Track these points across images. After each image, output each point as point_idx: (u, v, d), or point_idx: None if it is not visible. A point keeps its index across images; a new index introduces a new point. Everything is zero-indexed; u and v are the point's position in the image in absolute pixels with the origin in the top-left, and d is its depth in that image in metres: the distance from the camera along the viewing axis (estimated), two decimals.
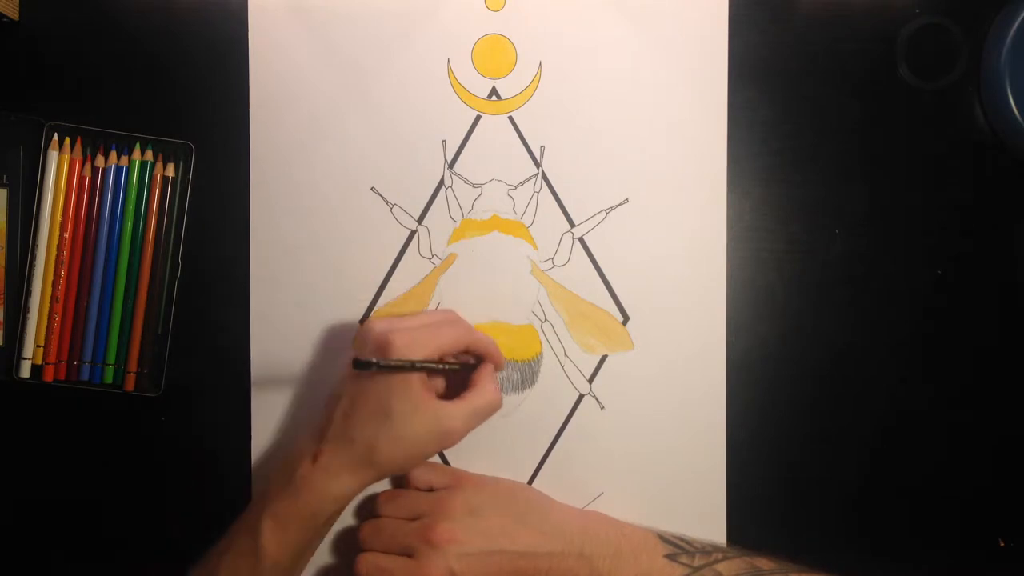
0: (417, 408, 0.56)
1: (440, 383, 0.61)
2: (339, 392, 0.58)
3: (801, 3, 0.65)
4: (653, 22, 0.64)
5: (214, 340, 0.64)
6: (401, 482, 0.63)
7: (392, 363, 0.55)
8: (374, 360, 0.53)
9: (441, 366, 0.58)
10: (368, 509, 0.63)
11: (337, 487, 0.55)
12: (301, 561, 0.58)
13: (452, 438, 0.57)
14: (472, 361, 0.61)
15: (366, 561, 0.58)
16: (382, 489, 0.63)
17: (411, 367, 0.55)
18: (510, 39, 0.64)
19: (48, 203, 0.62)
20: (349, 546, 0.63)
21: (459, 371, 0.60)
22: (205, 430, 0.64)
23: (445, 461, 0.65)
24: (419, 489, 0.62)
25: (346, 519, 0.63)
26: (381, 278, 0.64)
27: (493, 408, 0.58)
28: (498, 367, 0.61)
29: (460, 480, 0.61)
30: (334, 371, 0.63)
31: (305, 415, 0.64)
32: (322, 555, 0.63)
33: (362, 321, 0.64)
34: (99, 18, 0.64)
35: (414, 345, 0.56)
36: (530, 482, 0.64)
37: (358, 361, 0.53)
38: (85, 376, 0.63)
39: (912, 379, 0.65)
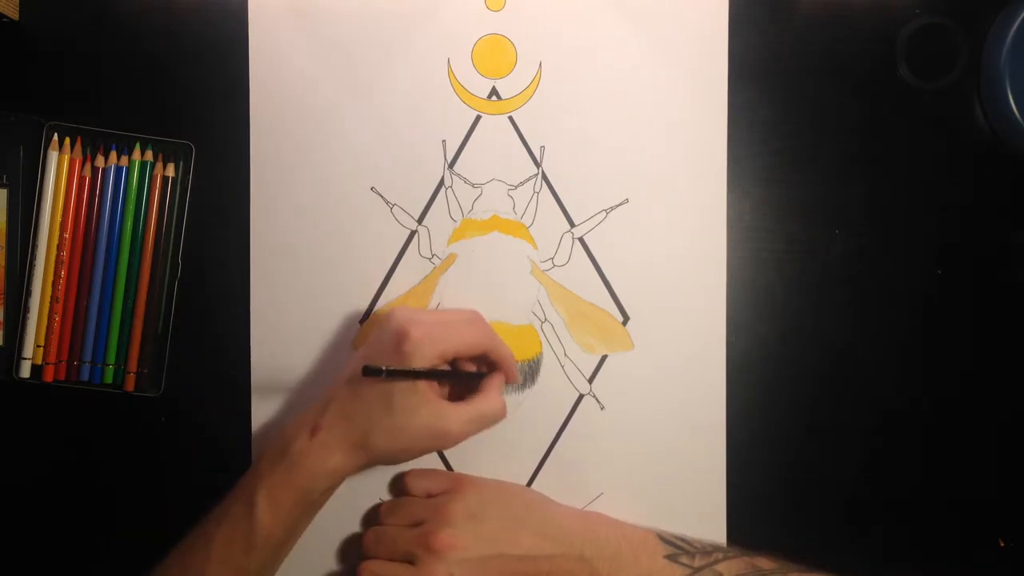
0: (419, 405, 0.56)
1: (447, 385, 0.61)
2: (348, 373, 0.58)
3: (801, 3, 0.65)
4: (653, 22, 0.64)
5: (214, 340, 0.64)
6: (401, 488, 0.63)
7: (399, 371, 0.55)
8: (383, 368, 0.54)
9: (448, 373, 0.58)
10: (372, 518, 0.63)
11: (331, 463, 0.56)
12: (293, 535, 0.58)
13: (449, 440, 0.57)
14: (484, 370, 0.61)
15: (368, 569, 0.59)
16: (383, 496, 0.64)
17: (417, 376, 0.55)
18: (510, 39, 0.64)
19: (48, 203, 0.62)
20: (353, 554, 0.63)
21: (465, 379, 0.60)
22: (205, 430, 0.64)
23: (446, 463, 0.65)
24: (419, 495, 0.62)
25: (352, 526, 0.64)
26: (381, 278, 0.64)
27: (496, 418, 0.59)
28: (510, 380, 0.61)
29: (460, 484, 0.61)
30: (334, 371, 0.63)
31: None
32: (327, 563, 0.64)
33: (362, 321, 0.64)
34: (99, 18, 0.64)
35: (432, 340, 0.56)
36: (530, 482, 0.64)
37: (368, 368, 0.53)
38: (85, 376, 0.63)
39: (912, 379, 0.65)
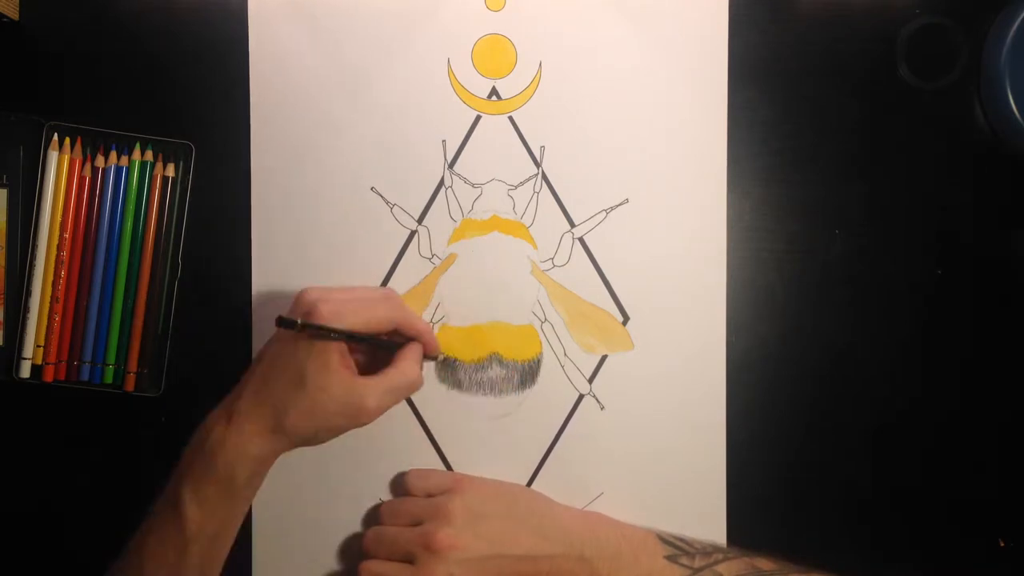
0: (331, 380, 0.55)
1: (364, 360, 0.60)
2: (261, 354, 0.58)
3: (801, 3, 0.65)
4: (653, 22, 0.64)
5: (214, 340, 0.64)
6: (402, 488, 0.63)
7: (314, 326, 0.54)
8: (297, 320, 0.53)
9: (364, 338, 0.57)
10: (372, 518, 0.63)
11: (251, 449, 0.55)
12: (227, 527, 0.56)
13: (365, 414, 0.57)
14: (400, 341, 0.60)
15: (368, 569, 0.59)
16: (384, 496, 0.64)
17: (334, 334, 0.55)
18: (510, 39, 0.64)
19: (48, 203, 0.62)
20: (353, 555, 0.63)
21: (384, 346, 0.60)
22: None
23: (446, 463, 0.65)
24: (419, 495, 0.62)
25: (351, 527, 0.64)
26: (381, 278, 0.64)
27: (411, 388, 0.59)
28: (428, 350, 0.61)
29: (460, 484, 0.61)
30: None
31: None
32: (327, 563, 0.64)
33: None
34: (99, 18, 0.64)
35: (340, 316, 0.56)
36: (530, 482, 0.64)
37: (282, 318, 0.53)
38: (85, 376, 0.63)
39: (912, 379, 0.65)
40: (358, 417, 0.57)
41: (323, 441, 0.58)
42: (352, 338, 0.56)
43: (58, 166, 0.62)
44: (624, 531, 0.60)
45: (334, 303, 0.56)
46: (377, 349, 0.60)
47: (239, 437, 0.55)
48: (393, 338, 0.60)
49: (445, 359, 0.64)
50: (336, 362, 0.56)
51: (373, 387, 0.57)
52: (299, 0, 0.64)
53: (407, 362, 0.59)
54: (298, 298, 0.58)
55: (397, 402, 0.58)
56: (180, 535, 0.54)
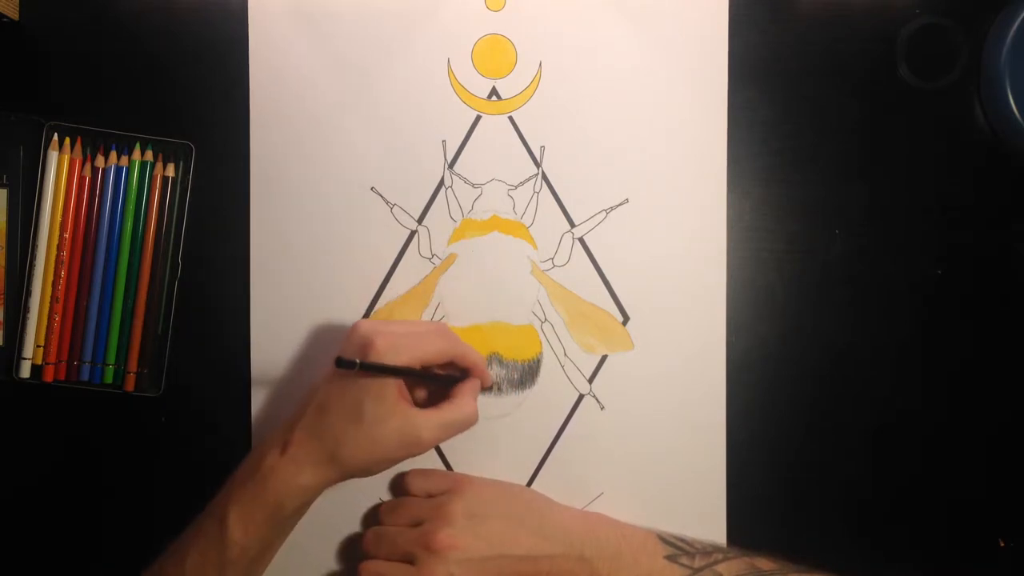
0: (389, 414, 0.56)
1: (419, 392, 0.61)
2: (317, 387, 0.58)
3: (801, 3, 0.65)
4: (653, 22, 0.64)
5: (214, 340, 0.64)
6: (402, 488, 0.63)
7: (374, 366, 0.55)
8: (356, 360, 0.53)
9: (422, 374, 0.58)
10: (372, 518, 0.63)
11: (303, 479, 0.55)
12: (267, 551, 0.58)
13: (420, 447, 0.57)
14: (458, 374, 0.61)
15: (368, 569, 0.59)
16: (383, 496, 0.64)
17: (392, 372, 0.55)
18: (510, 39, 0.64)
19: (48, 203, 0.62)
20: (353, 554, 0.63)
21: (441, 381, 0.60)
22: (205, 430, 0.64)
23: (446, 463, 0.65)
24: (420, 495, 0.62)
25: (352, 526, 0.64)
26: (381, 278, 0.64)
27: (467, 424, 0.58)
28: (483, 384, 0.61)
29: (460, 484, 0.61)
30: (322, 374, 0.63)
31: None
32: (327, 563, 0.64)
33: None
34: (99, 18, 0.64)
35: (396, 350, 0.56)
36: (530, 482, 0.64)
37: (341, 360, 0.53)
38: (85, 376, 0.63)
39: (912, 379, 0.65)
40: (413, 449, 0.57)
41: (375, 473, 0.58)
42: (407, 374, 0.57)
43: (58, 166, 0.62)
44: (624, 531, 0.60)
45: (390, 336, 0.56)
46: (431, 384, 0.61)
47: (292, 467, 0.55)
48: (448, 371, 0.60)
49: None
50: (393, 396, 0.56)
51: (430, 420, 0.57)
52: (299, 0, 0.64)
53: (464, 397, 0.59)
54: (352, 332, 0.58)
55: (451, 436, 0.58)
56: (222, 555, 0.55)
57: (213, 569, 0.55)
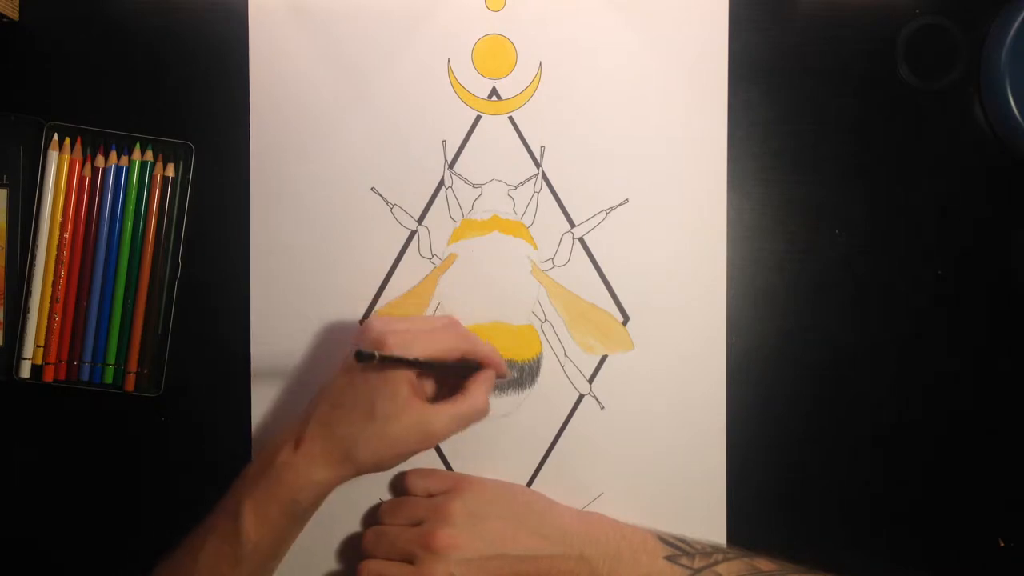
0: (401, 410, 0.56)
1: (430, 386, 0.61)
2: (330, 383, 0.58)
3: (801, 3, 0.65)
4: (653, 22, 0.64)
5: (214, 340, 0.64)
6: (402, 488, 0.63)
7: (392, 357, 0.55)
8: (376, 353, 0.54)
9: (438, 366, 0.58)
10: (372, 518, 0.63)
11: (316, 475, 0.56)
12: (281, 547, 0.58)
13: (432, 440, 0.57)
14: (474, 364, 0.61)
15: (368, 568, 0.59)
16: (383, 496, 0.64)
17: (412, 364, 0.56)
18: (510, 39, 0.64)
19: (48, 203, 0.62)
20: (353, 554, 0.63)
21: (457, 372, 0.60)
22: (205, 430, 0.64)
23: (446, 463, 0.65)
24: (419, 495, 0.62)
25: (352, 526, 0.64)
26: (381, 278, 0.64)
27: (479, 415, 0.59)
28: (499, 374, 0.61)
29: (460, 484, 0.61)
30: (334, 370, 0.63)
31: None
32: (327, 562, 0.64)
33: (362, 321, 0.64)
34: (99, 18, 0.64)
35: (408, 345, 0.56)
36: (530, 482, 0.64)
37: (361, 353, 0.53)
38: (85, 376, 0.63)
39: (911, 379, 0.65)
40: (426, 443, 0.57)
41: (389, 468, 0.58)
42: (425, 366, 0.57)
43: (58, 166, 0.62)
44: (624, 531, 0.60)
45: (402, 333, 0.57)
46: (446, 375, 0.60)
47: (307, 462, 0.56)
48: (461, 364, 0.60)
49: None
50: (406, 391, 0.56)
51: (442, 414, 0.57)
52: (299, 0, 0.64)
53: (476, 390, 0.59)
54: (365, 329, 0.58)
55: (463, 428, 0.58)
56: (236, 550, 0.55)
57: (227, 565, 0.55)
